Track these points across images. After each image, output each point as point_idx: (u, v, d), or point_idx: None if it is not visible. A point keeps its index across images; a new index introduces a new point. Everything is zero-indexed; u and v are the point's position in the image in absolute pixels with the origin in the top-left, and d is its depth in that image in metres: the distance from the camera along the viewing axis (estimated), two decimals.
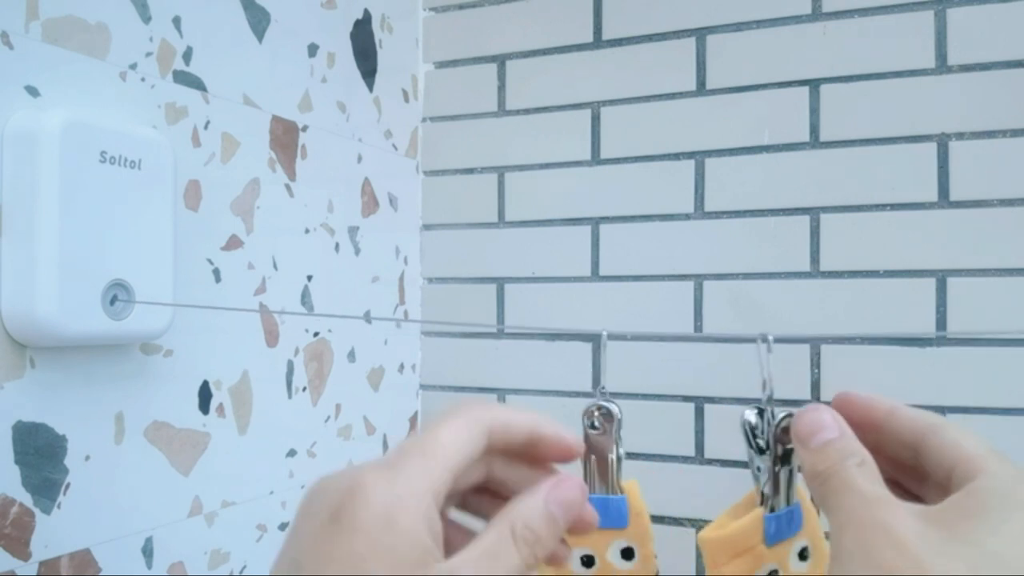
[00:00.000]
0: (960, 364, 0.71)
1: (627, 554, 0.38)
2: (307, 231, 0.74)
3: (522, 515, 0.32)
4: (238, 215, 0.66)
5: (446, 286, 0.90)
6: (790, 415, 0.36)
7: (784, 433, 0.37)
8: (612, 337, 0.82)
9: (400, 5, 0.87)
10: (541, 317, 0.86)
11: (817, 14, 0.76)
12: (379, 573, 0.28)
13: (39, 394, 0.51)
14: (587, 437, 0.39)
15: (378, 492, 0.29)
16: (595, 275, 0.84)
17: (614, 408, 0.39)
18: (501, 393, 0.87)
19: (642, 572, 0.38)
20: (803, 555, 0.37)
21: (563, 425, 0.35)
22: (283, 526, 0.70)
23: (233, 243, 0.65)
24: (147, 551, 0.58)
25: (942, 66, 0.72)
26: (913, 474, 0.35)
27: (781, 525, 0.37)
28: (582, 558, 0.38)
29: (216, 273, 0.64)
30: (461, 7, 0.89)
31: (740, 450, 0.83)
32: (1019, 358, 0.70)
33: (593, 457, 0.39)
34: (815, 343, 0.75)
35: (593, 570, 0.38)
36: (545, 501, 0.33)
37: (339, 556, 0.28)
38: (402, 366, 0.87)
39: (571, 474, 0.35)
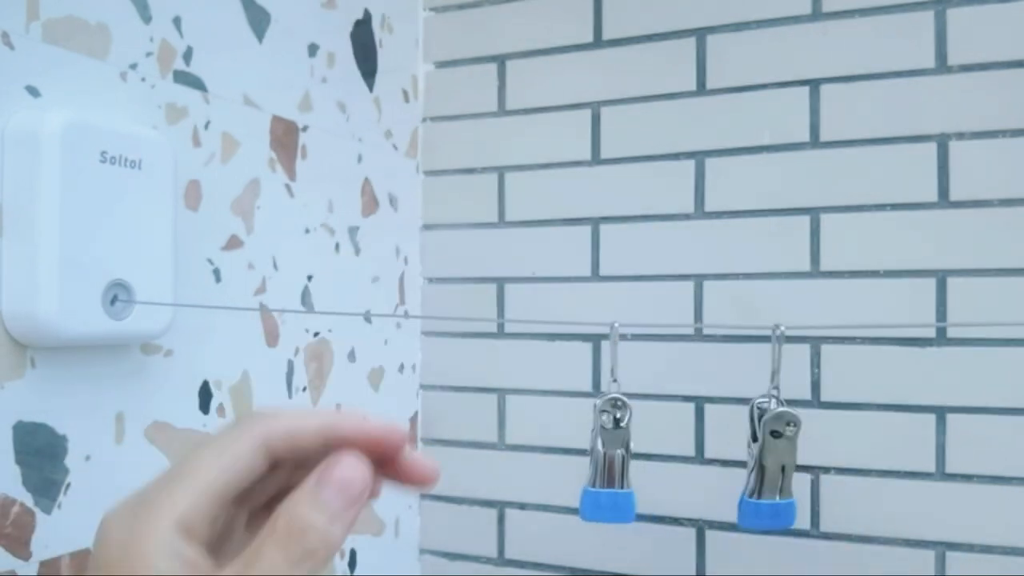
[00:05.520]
0: (960, 364, 0.71)
1: None
2: (307, 231, 0.74)
3: (286, 509, 0.30)
4: (238, 215, 0.66)
5: (446, 286, 0.90)
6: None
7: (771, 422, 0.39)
8: (604, 337, 0.82)
9: (400, 5, 0.87)
10: (541, 317, 0.86)
11: (817, 14, 0.76)
12: None
13: (39, 394, 0.51)
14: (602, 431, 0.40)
15: (114, 532, 0.30)
16: (595, 275, 0.84)
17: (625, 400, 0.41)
18: (501, 393, 0.87)
19: None
20: None
21: (366, 416, 0.33)
22: None
23: (233, 243, 0.65)
24: None
25: (942, 66, 0.72)
26: None
27: (762, 514, 0.38)
28: None
29: (216, 273, 0.64)
30: (461, 7, 0.89)
31: (740, 450, 0.83)
32: (1019, 358, 0.70)
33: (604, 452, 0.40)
34: (815, 343, 0.75)
35: None
36: (311, 490, 0.31)
37: None
38: (402, 366, 0.87)
39: (348, 451, 0.32)
